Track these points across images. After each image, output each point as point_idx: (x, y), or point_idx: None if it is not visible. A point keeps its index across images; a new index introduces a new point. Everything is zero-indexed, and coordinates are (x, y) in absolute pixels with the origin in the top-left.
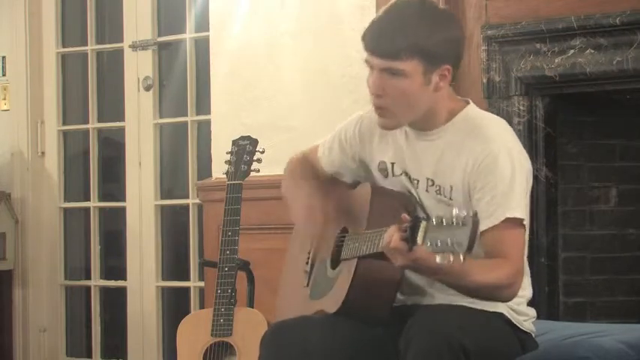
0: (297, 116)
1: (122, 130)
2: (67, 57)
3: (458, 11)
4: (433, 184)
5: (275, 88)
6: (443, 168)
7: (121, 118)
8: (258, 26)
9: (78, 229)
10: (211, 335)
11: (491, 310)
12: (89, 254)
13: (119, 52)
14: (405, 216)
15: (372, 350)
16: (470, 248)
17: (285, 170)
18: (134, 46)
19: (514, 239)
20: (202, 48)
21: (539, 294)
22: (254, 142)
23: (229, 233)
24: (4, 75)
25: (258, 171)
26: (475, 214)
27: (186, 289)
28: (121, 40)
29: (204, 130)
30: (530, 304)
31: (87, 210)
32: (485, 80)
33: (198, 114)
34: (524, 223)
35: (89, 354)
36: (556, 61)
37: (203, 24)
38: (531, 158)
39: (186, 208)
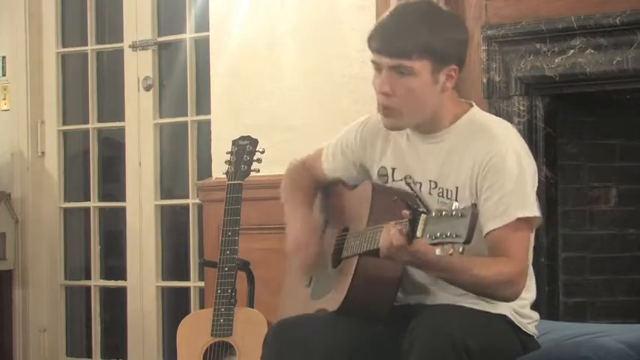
0: (297, 116)
1: (122, 130)
2: (67, 57)
3: (458, 11)
4: (436, 187)
5: (275, 89)
6: (447, 170)
7: (121, 118)
8: (258, 26)
9: (78, 229)
10: (211, 335)
11: (495, 311)
12: (89, 254)
13: (119, 52)
14: (406, 212)
15: (373, 348)
16: (469, 239)
17: (283, 179)
18: (134, 46)
19: (520, 239)
20: (202, 48)
21: (539, 294)
22: (254, 142)
23: (229, 233)
24: (4, 75)
25: (258, 171)
26: (474, 206)
27: (186, 289)
28: (121, 40)
29: (204, 130)
30: (532, 304)
31: (87, 210)
32: (485, 80)
33: (198, 114)
34: (539, 220)
35: (89, 354)
36: (556, 61)
37: (203, 24)
38: None
39: (186, 208)
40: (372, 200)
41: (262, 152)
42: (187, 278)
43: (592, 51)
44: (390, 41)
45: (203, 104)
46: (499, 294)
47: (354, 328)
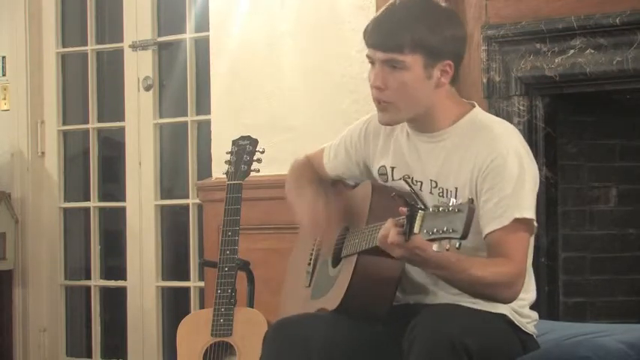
0: (297, 116)
1: (122, 130)
2: (67, 57)
3: (458, 11)
4: (436, 186)
5: (275, 88)
6: (447, 170)
7: (121, 118)
8: (258, 26)
9: (78, 229)
10: (211, 335)
11: (494, 311)
12: (89, 254)
13: (119, 52)
14: (403, 209)
15: (372, 348)
16: (465, 234)
17: (288, 172)
18: (134, 46)
19: (518, 241)
20: (202, 48)
21: (539, 294)
22: (254, 142)
23: (229, 233)
24: (4, 75)
25: (258, 171)
26: (471, 201)
27: (186, 289)
28: (121, 40)
29: (204, 130)
30: (532, 304)
31: (87, 210)
32: (485, 80)
33: (198, 114)
34: (535, 224)
35: (89, 354)
36: (556, 61)
37: (203, 24)
38: None
39: (186, 208)
40: (371, 199)
41: (262, 152)
42: (187, 278)
43: (592, 51)
44: (383, 35)
45: (203, 104)
46: (496, 295)
47: (353, 327)
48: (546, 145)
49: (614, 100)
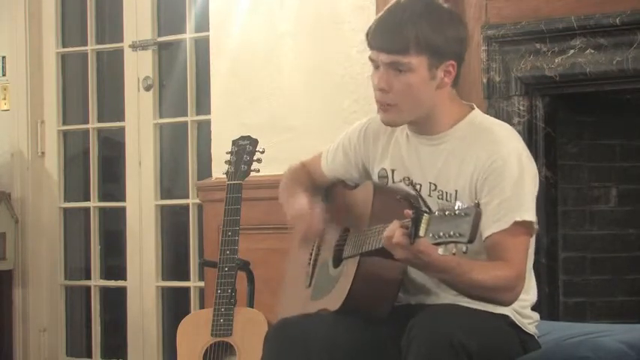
0: (297, 116)
1: (122, 130)
2: (67, 57)
3: (458, 11)
4: (436, 189)
5: (275, 88)
6: (447, 173)
7: (121, 118)
8: (258, 26)
9: (78, 229)
10: (211, 335)
11: (496, 311)
12: (89, 254)
13: (119, 52)
14: (408, 212)
15: (373, 348)
16: (472, 238)
17: (283, 178)
18: (134, 46)
19: (518, 244)
20: (202, 48)
21: (539, 294)
22: (254, 142)
23: (229, 233)
24: (4, 75)
25: (258, 171)
26: (477, 205)
27: (186, 289)
28: (121, 40)
29: (204, 130)
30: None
31: (87, 210)
32: (485, 80)
33: (198, 114)
34: (535, 226)
35: (89, 354)
36: (556, 61)
37: (203, 24)
38: None
39: (186, 208)
40: (373, 200)
41: (262, 152)
42: (187, 278)
43: (592, 51)
44: (387, 38)
45: (203, 104)
46: (496, 298)
47: (354, 327)
48: (546, 145)
49: (614, 100)
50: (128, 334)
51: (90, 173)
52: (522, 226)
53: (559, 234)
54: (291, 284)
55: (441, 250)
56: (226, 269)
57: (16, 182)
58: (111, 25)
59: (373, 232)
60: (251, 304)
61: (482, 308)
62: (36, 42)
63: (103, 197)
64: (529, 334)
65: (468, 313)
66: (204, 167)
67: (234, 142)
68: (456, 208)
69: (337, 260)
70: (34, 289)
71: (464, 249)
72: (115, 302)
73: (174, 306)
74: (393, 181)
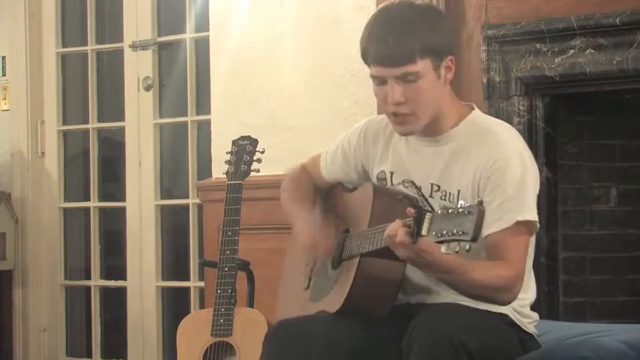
0: (297, 116)
1: (122, 130)
2: (67, 57)
3: (458, 11)
4: (439, 190)
5: (275, 88)
6: (450, 173)
7: (121, 118)
8: (258, 26)
9: (78, 229)
10: (211, 335)
11: (495, 310)
12: (89, 254)
13: (119, 52)
14: (411, 210)
15: (373, 348)
16: (476, 237)
17: (284, 182)
18: (134, 46)
19: (518, 244)
20: (202, 48)
21: (539, 294)
22: (254, 142)
23: (229, 233)
24: (4, 75)
25: (258, 171)
26: (480, 203)
27: (186, 289)
28: (121, 40)
29: (204, 130)
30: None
31: (87, 210)
32: (485, 80)
33: (198, 114)
34: (537, 225)
35: (89, 354)
36: (556, 61)
37: (203, 24)
38: None
39: (186, 208)
40: (373, 201)
41: (262, 152)
42: (187, 278)
43: (592, 51)
44: (390, 50)
45: (203, 104)
46: (495, 298)
47: (354, 327)
48: (546, 145)
49: (614, 100)
50: (128, 334)
51: (90, 173)
52: (524, 225)
53: (559, 234)
54: (289, 286)
55: (443, 249)
56: (226, 269)
57: (16, 182)
58: (111, 25)
59: (373, 232)
60: (251, 304)
61: (483, 307)
62: (36, 42)
63: (103, 197)
64: (529, 333)
65: (469, 312)
66: (204, 167)
67: (234, 142)
68: (459, 206)
69: (337, 261)
70: (34, 289)
71: (467, 247)
72: (115, 302)
73: (174, 306)
74: (392, 184)
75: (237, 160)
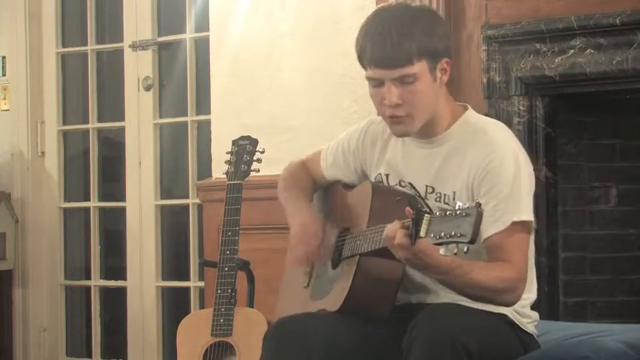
0: (297, 116)
1: (122, 130)
2: (67, 57)
3: (458, 11)
4: (433, 191)
5: (275, 89)
6: (445, 175)
7: (121, 118)
8: (258, 26)
9: (78, 229)
10: (211, 335)
11: (495, 311)
12: (89, 254)
13: (119, 52)
14: (409, 210)
15: (373, 347)
16: (474, 239)
17: (282, 175)
18: (134, 46)
19: (518, 244)
20: (202, 48)
21: (539, 294)
22: (254, 142)
23: (229, 233)
24: (4, 75)
25: (258, 171)
26: (478, 205)
27: (186, 289)
28: (121, 40)
29: (204, 130)
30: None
31: (87, 210)
32: (485, 80)
33: (198, 114)
34: (533, 225)
35: (89, 354)
36: (556, 61)
37: (203, 24)
38: (531, 158)
39: (186, 208)
40: (372, 200)
41: (262, 152)
42: (187, 278)
43: (592, 51)
44: (387, 53)
45: (203, 104)
46: (497, 299)
47: (354, 326)
48: (546, 145)
49: (614, 100)
50: (128, 334)
51: (90, 173)
52: (520, 225)
53: (559, 234)
54: (290, 283)
55: (442, 251)
56: (226, 269)
57: (16, 182)
58: (111, 25)
59: (372, 232)
60: (251, 304)
61: (483, 308)
62: (36, 42)
63: (103, 197)
64: (528, 333)
65: (469, 312)
66: (204, 167)
67: (234, 142)
68: (457, 208)
69: (336, 261)
70: (34, 289)
71: (465, 249)
72: (115, 302)
73: (174, 306)
74: (389, 185)
75: (237, 160)
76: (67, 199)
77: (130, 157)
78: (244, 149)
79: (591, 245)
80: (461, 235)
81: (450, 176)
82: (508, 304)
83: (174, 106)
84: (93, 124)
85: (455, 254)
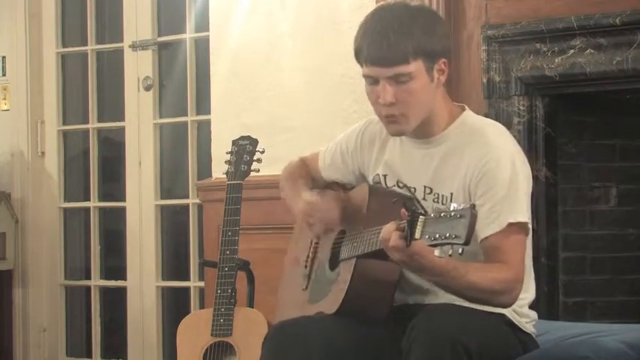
0: (297, 116)
1: (122, 130)
2: (67, 57)
3: (458, 11)
4: (431, 192)
5: (275, 89)
6: (442, 176)
7: (121, 118)
8: (258, 26)
9: (78, 229)
10: (211, 335)
11: (494, 311)
12: (89, 254)
13: (119, 52)
14: (404, 212)
15: (372, 348)
16: (468, 240)
17: (282, 173)
18: (134, 46)
19: (514, 245)
20: (202, 48)
21: (539, 294)
22: (254, 142)
23: (229, 233)
24: (4, 75)
25: (258, 171)
26: (473, 206)
27: (186, 289)
28: (121, 40)
29: (204, 130)
30: (531, 304)
31: (87, 210)
32: (485, 80)
33: (198, 114)
34: (529, 226)
35: (89, 354)
36: (556, 61)
37: (203, 24)
38: (531, 158)
39: (186, 208)
40: (368, 202)
41: (262, 152)
42: (187, 278)
43: (592, 51)
44: (383, 51)
45: (203, 104)
46: (493, 301)
47: (353, 328)
48: (546, 145)
49: (614, 100)
50: (128, 334)
51: (90, 173)
52: (517, 227)
53: (559, 234)
54: (288, 285)
55: (437, 252)
56: (226, 269)
57: (16, 182)
58: (111, 25)
59: (369, 234)
60: (251, 304)
61: (482, 308)
62: (36, 42)
63: (103, 197)
64: (527, 333)
65: (467, 312)
66: (204, 167)
67: (234, 142)
68: (452, 209)
69: (334, 262)
70: (34, 289)
71: (460, 250)
72: (115, 302)
73: (174, 306)
74: (386, 186)
75: (237, 160)
76: (67, 199)
77: (130, 157)
78: (244, 149)
79: (591, 245)
80: (455, 237)
81: (448, 177)
82: (505, 306)
83: (174, 106)
84: (93, 124)
85: (450, 256)
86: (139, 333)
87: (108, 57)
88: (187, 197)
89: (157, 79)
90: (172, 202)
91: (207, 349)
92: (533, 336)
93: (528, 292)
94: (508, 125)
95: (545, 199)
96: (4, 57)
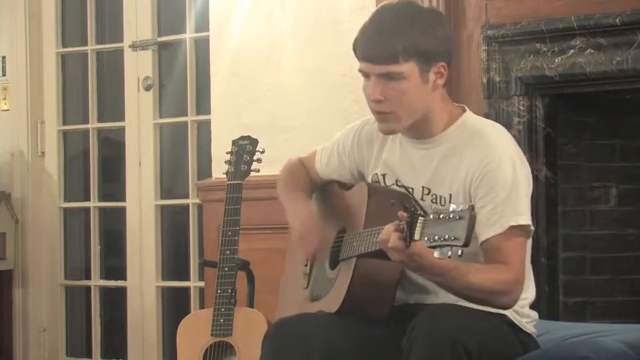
0: (297, 116)
1: (122, 130)
2: (67, 57)
3: (458, 11)
4: (429, 193)
5: (275, 89)
6: (441, 176)
7: (121, 118)
8: (258, 26)
9: (78, 229)
10: (211, 335)
11: (494, 311)
12: (89, 254)
13: (119, 52)
14: (402, 213)
15: (372, 347)
16: (467, 242)
17: (280, 174)
18: (134, 46)
19: (515, 247)
20: (202, 48)
21: (539, 294)
22: (254, 142)
23: (229, 233)
24: (4, 75)
25: (258, 171)
26: (472, 208)
27: (186, 289)
28: (121, 40)
29: (204, 130)
30: (531, 304)
31: (87, 210)
32: (485, 80)
33: (198, 114)
34: (531, 228)
35: (89, 354)
36: (556, 61)
37: (203, 24)
38: (531, 158)
39: (186, 208)
40: (368, 202)
41: (262, 152)
42: (187, 278)
43: (592, 51)
44: (375, 48)
45: (203, 104)
46: (494, 302)
47: (354, 326)
48: (546, 145)
49: (614, 100)
50: (128, 334)
51: (90, 173)
52: (518, 229)
53: (559, 234)
54: (289, 284)
55: (436, 253)
56: (226, 269)
57: (16, 182)
58: (111, 25)
59: (369, 234)
60: (251, 304)
61: (482, 308)
62: (36, 42)
63: (103, 197)
64: (528, 333)
65: (468, 312)
66: (204, 167)
67: (234, 142)
68: (451, 211)
69: (334, 262)
70: (34, 289)
71: (459, 252)
72: (115, 302)
73: (174, 306)
74: (385, 186)
75: (237, 160)
76: (67, 199)
77: (130, 157)
78: (244, 149)
79: (591, 245)
80: (454, 239)
81: (447, 178)
82: (505, 307)
83: (174, 106)
84: (93, 124)
85: (449, 257)
86: (139, 333)
87: (108, 57)
88: (187, 197)
89: (157, 79)
90: (172, 202)
91: (207, 349)
92: (534, 336)
93: (528, 292)
94: (508, 125)
95: (545, 199)
96: (4, 57)
